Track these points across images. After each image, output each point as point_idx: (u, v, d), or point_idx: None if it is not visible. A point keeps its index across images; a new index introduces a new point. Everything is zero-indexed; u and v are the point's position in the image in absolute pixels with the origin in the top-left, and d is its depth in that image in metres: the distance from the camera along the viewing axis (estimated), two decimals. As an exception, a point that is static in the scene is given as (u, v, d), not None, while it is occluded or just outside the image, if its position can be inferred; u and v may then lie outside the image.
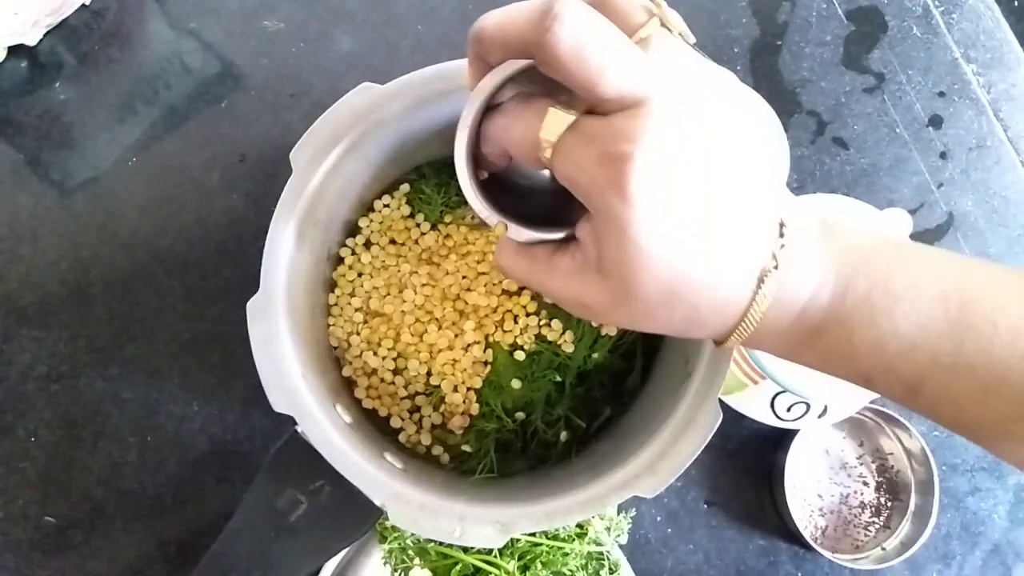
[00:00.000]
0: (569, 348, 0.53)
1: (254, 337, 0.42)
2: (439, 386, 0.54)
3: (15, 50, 0.65)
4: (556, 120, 0.31)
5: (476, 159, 0.36)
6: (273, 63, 0.67)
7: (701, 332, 0.33)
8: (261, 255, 0.63)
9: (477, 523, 0.42)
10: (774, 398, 0.56)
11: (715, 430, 0.43)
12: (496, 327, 0.54)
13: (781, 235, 0.31)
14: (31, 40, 0.64)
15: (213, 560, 0.43)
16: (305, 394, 0.43)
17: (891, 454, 0.65)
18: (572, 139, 0.30)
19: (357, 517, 0.43)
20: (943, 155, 0.71)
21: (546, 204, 0.38)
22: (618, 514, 0.59)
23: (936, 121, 0.71)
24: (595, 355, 0.53)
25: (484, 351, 0.54)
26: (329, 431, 0.42)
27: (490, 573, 0.56)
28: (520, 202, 0.38)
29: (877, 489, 0.64)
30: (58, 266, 0.63)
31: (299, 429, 0.43)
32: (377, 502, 0.42)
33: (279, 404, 0.42)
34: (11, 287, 0.62)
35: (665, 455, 0.43)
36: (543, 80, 0.32)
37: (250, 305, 0.42)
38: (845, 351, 0.32)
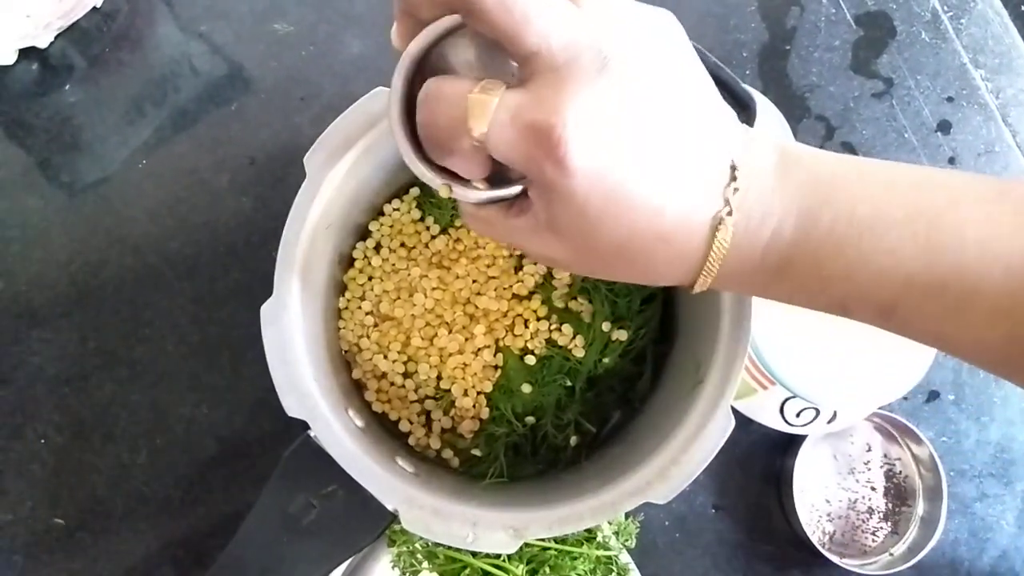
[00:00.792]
0: (580, 353, 0.53)
1: (268, 342, 0.42)
2: (449, 390, 0.54)
3: (26, 52, 0.65)
4: (480, 107, 0.30)
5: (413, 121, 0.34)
6: (283, 66, 0.67)
7: (665, 281, 0.33)
8: (271, 258, 0.63)
9: (489, 528, 0.42)
10: (783, 403, 0.56)
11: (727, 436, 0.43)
12: (507, 331, 0.54)
13: (733, 178, 0.30)
14: (42, 43, 0.64)
15: (226, 563, 0.43)
16: (318, 399, 0.43)
17: (898, 459, 0.65)
18: (501, 118, 0.29)
19: (369, 522, 0.43)
20: (952, 160, 0.71)
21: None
22: (626, 519, 0.59)
23: (944, 126, 0.71)
24: (605, 360, 0.53)
25: (494, 355, 0.54)
26: (341, 436, 0.43)
27: (498, 577, 0.56)
28: None
29: (885, 494, 0.64)
30: (68, 268, 0.63)
31: (312, 433, 0.43)
32: (389, 507, 0.42)
33: (292, 409, 0.42)
34: (21, 288, 0.62)
35: (677, 462, 0.43)
36: (480, 40, 0.31)
37: (264, 309, 0.42)
38: (815, 284, 0.32)
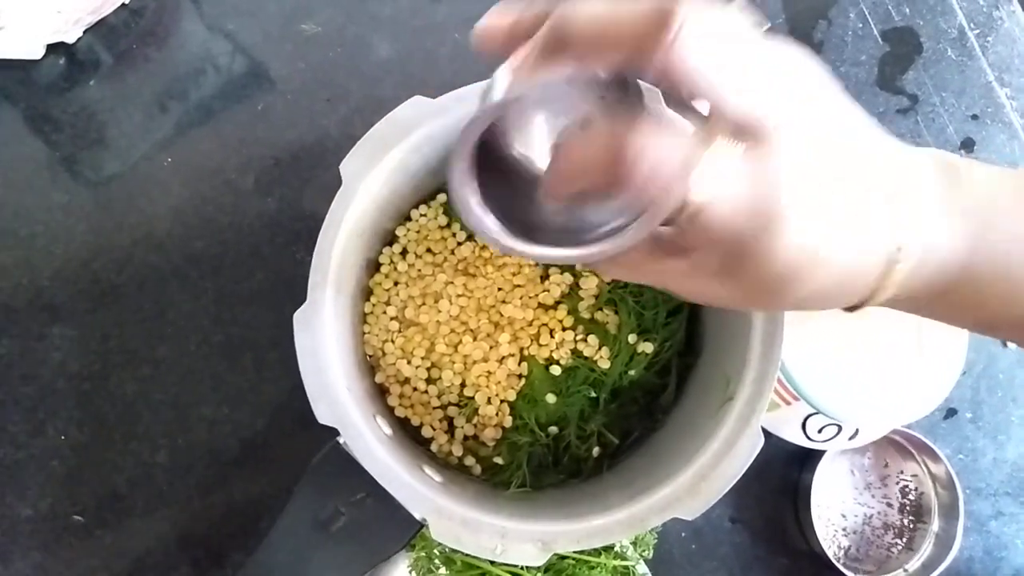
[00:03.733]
0: (605, 364, 0.53)
1: (300, 349, 0.42)
2: (472, 397, 0.54)
3: (54, 47, 0.65)
4: (703, 168, 0.27)
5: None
6: (310, 67, 0.67)
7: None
8: (295, 260, 0.64)
9: (518, 540, 0.42)
10: (806, 419, 0.56)
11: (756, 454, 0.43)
12: (532, 340, 0.54)
13: (906, 222, 0.30)
14: (71, 37, 0.64)
15: (254, 568, 0.43)
16: (349, 406, 0.43)
17: (915, 476, 0.65)
18: (727, 191, 0.28)
19: (398, 530, 0.43)
20: (974, 178, 0.71)
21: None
22: (643, 529, 0.59)
23: (968, 144, 0.71)
24: (631, 372, 0.53)
25: (519, 364, 0.54)
26: (372, 444, 0.43)
27: (516, 585, 0.56)
28: (517, 192, 0.32)
29: (901, 511, 0.64)
30: (91, 265, 0.63)
31: (341, 440, 0.43)
32: (418, 516, 0.42)
33: (324, 416, 0.42)
34: (44, 284, 0.62)
35: (706, 478, 0.43)
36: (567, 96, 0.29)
37: (297, 316, 0.42)
38: (970, 306, 0.32)
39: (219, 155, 0.66)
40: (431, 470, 0.47)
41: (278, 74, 0.67)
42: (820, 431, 0.56)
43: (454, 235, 0.57)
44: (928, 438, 0.63)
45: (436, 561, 0.58)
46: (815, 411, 0.55)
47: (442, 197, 0.57)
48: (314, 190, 0.65)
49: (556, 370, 0.53)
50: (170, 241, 0.63)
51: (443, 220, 0.57)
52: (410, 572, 0.60)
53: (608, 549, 0.58)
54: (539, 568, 0.57)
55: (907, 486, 0.65)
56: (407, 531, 0.43)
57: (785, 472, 0.64)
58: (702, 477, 0.43)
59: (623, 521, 0.43)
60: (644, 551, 0.59)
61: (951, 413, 0.67)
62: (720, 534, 0.63)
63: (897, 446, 0.65)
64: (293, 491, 0.44)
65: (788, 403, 0.55)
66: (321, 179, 0.65)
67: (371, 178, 0.46)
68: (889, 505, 0.64)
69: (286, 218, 0.65)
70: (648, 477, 0.47)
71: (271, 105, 0.67)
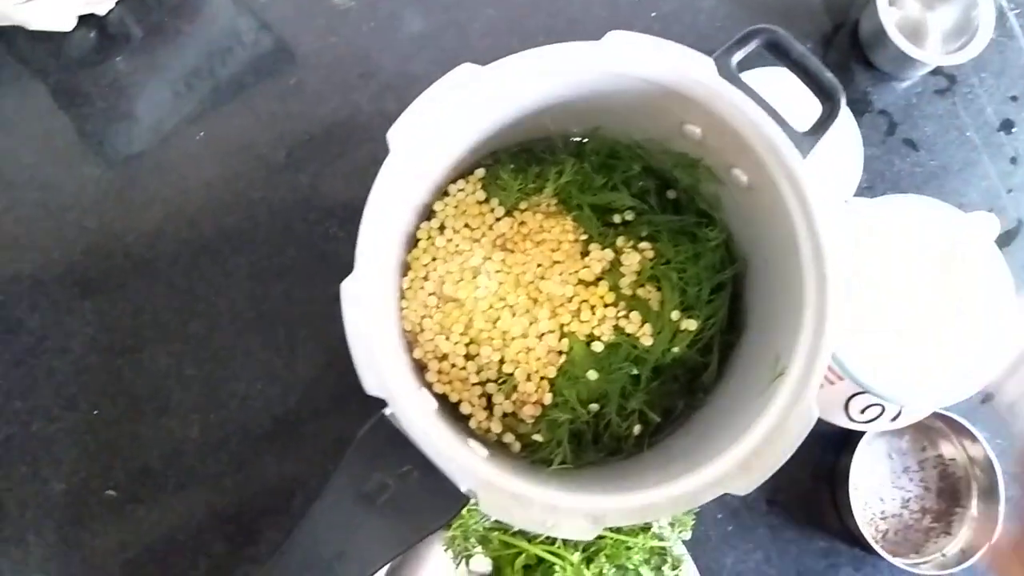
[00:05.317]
0: (648, 341, 0.53)
1: (348, 319, 0.42)
2: (512, 374, 0.53)
3: (85, 20, 0.65)
4: None
5: None
6: (342, 42, 0.67)
7: None
8: (327, 235, 0.63)
9: (569, 515, 0.41)
10: (849, 400, 0.55)
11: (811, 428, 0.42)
12: (572, 317, 0.54)
13: None
14: (101, 10, 0.64)
15: (299, 539, 0.42)
16: (395, 378, 0.42)
17: (952, 460, 0.64)
18: None
19: (444, 503, 0.42)
20: (1013, 160, 0.70)
21: None
22: (681, 510, 0.59)
23: (1007, 125, 0.70)
24: (674, 349, 0.52)
25: (559, 340, 0.53)
26: (418, 416, 0.42)
27: (554, 564, 0.56)
28: None
29: (939, 495, 0.64)
30: (123, 239, 0.62)
31: (387, 412, 0.42)
32: (464, 488, 0.42)
33: (371, 387, 0.41)
34: (76, 259, 0.62)
35: (759, 453, 0.42)
36: None
37: (344, 286, 0.42)
38: None
39: (251, 130, 0.65)
40: (476, 445, 0.46)
41: (310, 49, 0.67)
42: (863, 411, 0.56)
43: (492, 211, 0.56)
44: (967, 422, 0.62)
45: (472, 540, 0.58)
46: (859, 391, 0.54)
47: (480, 172, 0.56)
48: (347, 165, 0.65)
49: (598, 347, 0.53)
50: (202, 216, 0.63)
51: (481, 195, 0.56)
52: (446, 551, 0.60)
53: (646, 529, 0.58)
54: (575, 548, 0.57)
55: (945, 470, 0.64)
56: (453, 505, 0.42)
57: (822, 455, 0.64)
58: (755, 453, 0.42)
59: (675, 496, 0.42)
60: (682, 531, 0.58)
61: (988, 398, 0.66)
62: (757, 516, 0.63)
63: (935, 430, 0.64)
64: (337, 464, 0.43)
65: (832, 383, 0.55)
66: (354, 154, 0.65)
67: (416, 148, 0.45)
68: (927, 489, 0.64)
69: (318, 194, 0.64)
70: (692, 456, 0.46)
71: (303, 80, 0.66)
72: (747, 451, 0.43)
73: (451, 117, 0.46)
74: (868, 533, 0.61)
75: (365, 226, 0.43)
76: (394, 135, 0.44)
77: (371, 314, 0.43)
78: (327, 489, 0.42)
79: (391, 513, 0.42)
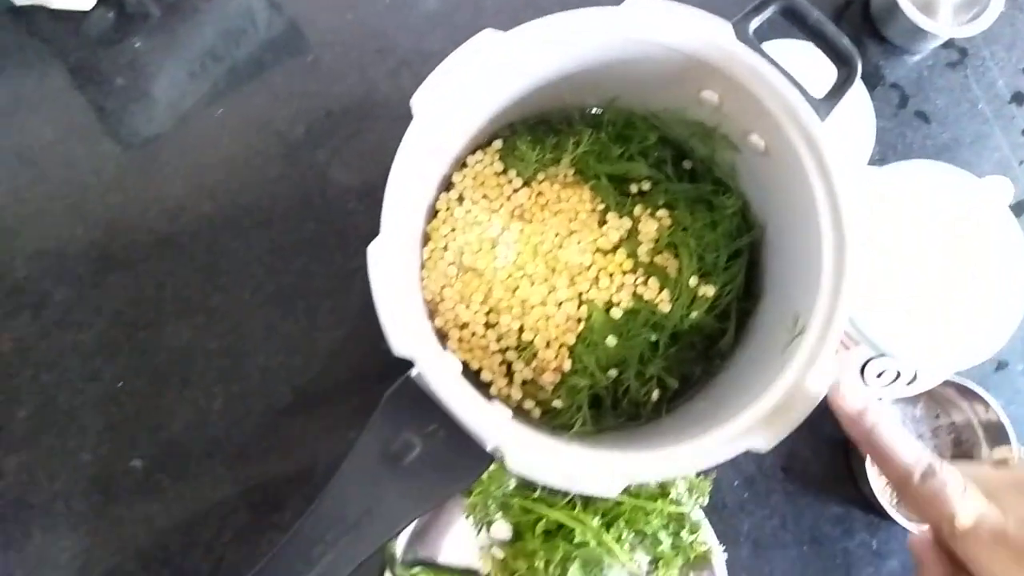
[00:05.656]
0: (666, 307, 0.53)
1: (375, 280, 0.42)
2: (532, 341, 0.54)
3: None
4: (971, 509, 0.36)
5: None
6: (359, 19, 0.67)
7: None
8: (346, 211, 0.64)
9: (593, 470, 0.42)
10: (865, 364, 0.56)
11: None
12: (591, 284, 0.54)
13: None
14: (120, -11, 0.64)
15: (328, 497, 0.43)
16: (421, 338, 0.43)
17: (966, 426, 0.65)
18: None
19: (470, 462, 0.43)
20: (1024, 132, 0.70)
21: None
22: (698, 477, 0.59)
23: (1019, 98, 0.71)
24: (692, 314, 0.53)
25: (578, 308, 0.54)
26: (445, 374, 0.42)
27: (574, 529, 0.57)
28: None
29: (952, 462, 0.64)
30: (145, 214, 0.63)
31: (413, 373, 0.43)
32: (489, 447, 0.42)
33: (399, 347, 0.42)
34: (99, 235, 0.62)
35: (779, 411, 0.43)
36: None
37: (371, 248, 0.42)
38: None
39: (269, 107, 0.66)
40: (498, 405, 0.47)
41: (326, 26, 0.67)
42: (879, 376, 0.56)
43: (510, 182, 0.56)
44: (981, 389, 0.62)
45: (493, 506, 0.58)
46: (875, 355, 0.55)
47: (497, 143, 0.57)
48: (364, 142, 0.65)
49: (617, 313, 0.53)
50: (222, 192, 0.64)
51: (499, 167, 0.56)
52: (467, 518, 0.60)
53: (665, 496, 0.58)
54: (596, 513, 0.58)
55: (959, 437, 0.65)
56: (479, 464, 0.43)
57: (836, 422, 0.64)
58: (774, 410, 0.43)
59: (696, 453, 0.42)
60: (699, 498, 0.59)
61: (1002, 365, 0.67)
62: (772, 483, 0.63)
63: (948, 397, 0.64)
64: (361, 430, 0.44)
65: (847, 348, 0.55)
66: (371, 131, 0.65)
67: (438, 114, 0.46)
68: (941, 456, 0.64)
69: (337, 169, 0.65)
70: (710, 418, 0.46)
71: (319, 58, 0.67)
72: (767, 409, 0.43)
73: (473, 82, 0.46)
74: (884, 500, 0.61)
75: (390, 189, 0.44)
76: (417, 100, 0.45)
77: (396, 276, 0.44)
78: (355, 449, 0.43)
79: (417, 472, 0.43)
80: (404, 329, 0.42)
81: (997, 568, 0.35)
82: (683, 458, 0.43)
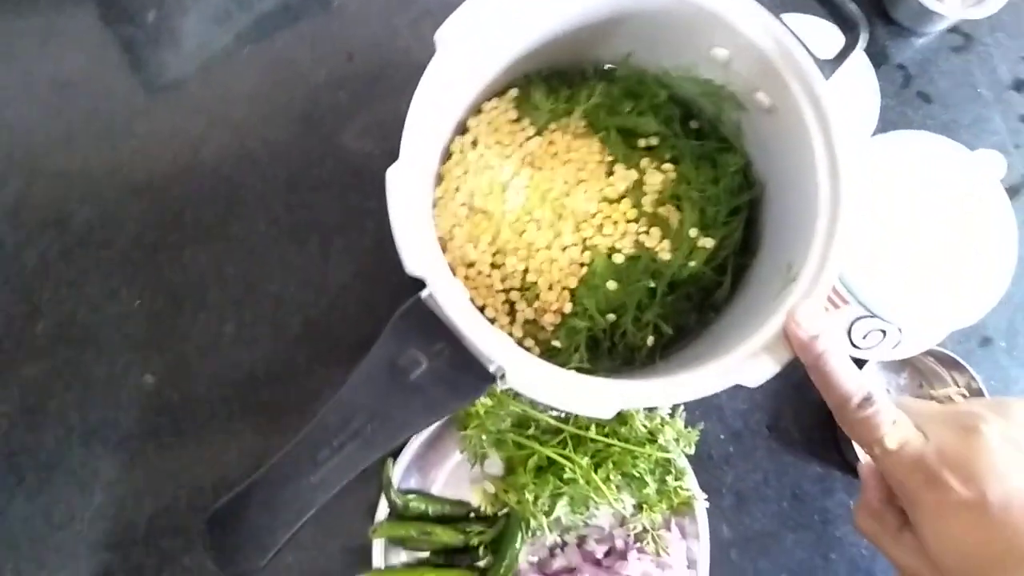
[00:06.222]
0: (666, 255, 0.55)
1: (393, 201, 0.44)
2: (535, 283, 0.56)
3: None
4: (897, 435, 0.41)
5: None
6: (384, -34, 0.69)
7: None
8: (363, 151, 0.66)
9: (590, 392, 0.44)
10: (852, 324, 0.58)
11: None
12: (595, 231, 0.56)
13: None
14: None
15: (335, 407, 0.45)
16: (434, 260, 0.45)
17: (948, 398, 0.67)
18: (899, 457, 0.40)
19: (473, 381, 0.45)
20: (1023, 118, 0.72)
21: None
22: (687, 428, 0.62)
23: (1019, 85, 0.73)
24: (691, 263, 0.55)
25: (581, 253, 0.56)
26: (455, 295, 0.44)
27: (564, 466, 0.59)
28: None
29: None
30: (170, 143, 0.65)
31: (423, 295, 0.45)
32: (492, 368, 0.45)
33: (413, 267, 0.43)
34: (124, 160, 0.65)
35: (770, 348, 0.45)
36: None
37: (390, 172, 0.44)
38: None
39: (293, 49, 0.68)
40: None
41: (353, -28, 0.69)
42: (865, 337, 0.59)
43: (523, 130, 0.59)
44: (964, 360, 0.64)
45: (487, 441, 0.61)
46: (862, 315, 0.57)
47: (513, 92, 0.59)
48: (384, 87, 0.67)
49: (619, 259, 0.55)
50: (245, 126, 0.66)
51: (513, 115, 0.59)
52: (461, 452, 0.63)
53: (653, 441, 0.61)
54: (586, 453, 0.60)
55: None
56: (481, 384, 0.45)
57: (823, 385, 0.67)
58: (764, 347, 0.45)
59: (688, 383, 0.44)
60: (686, 446, 0.61)
61: (986, 342, 0.69)
62: (758, 439, 0.66)
63: (932, 367, 0.67)
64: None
65: (836, 306, 0.58)
66: (392, 76, 0.67)
67: (461, 51, 0.48)
68: (921, 423, 0.67)
69: (356, 110, 0.67)
70: (705, 359, 0.48)
71: (345, 3, 0.69)
72: (758, 346, 0.45)
73: (495, 22, 0.48)
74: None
75: (411, 115, 0.46)
76: (442, 34, 0.47)
77: (412, 201, 0.46)
78: (365, 361, 0.45)
79: (423, 387, 0.45)
80: (418, 250, 0.44)
81: (911, 486, 0.40)
82: (676, 387, 0.45)
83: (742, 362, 0.45)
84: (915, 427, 0.41)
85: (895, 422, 0.41)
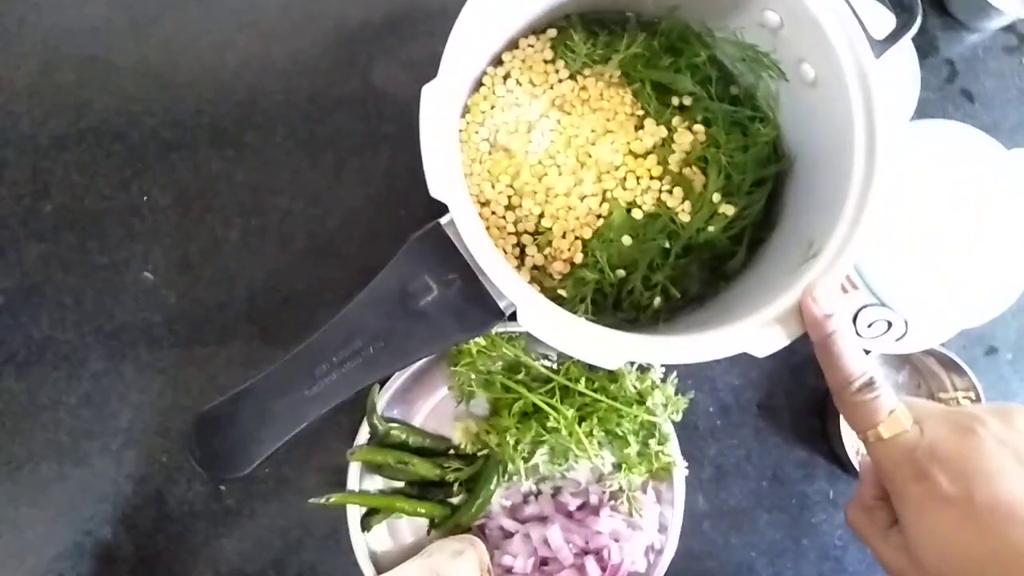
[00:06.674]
0: (686, 217, 0.55)
1: (425, 120, 0.43)
2: (550, 229, 0.55)
3: None
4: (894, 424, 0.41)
5: None
6: None
7: None
8: (390, 77, 0.65)
9: (603, 340, 0.43)
10: (858, 312, 0.58)
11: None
12: (617, 184, 0.55)
13: None
14: None
15: (340, 323, 0.44)
16: (460, 187, 0.44)
17: (944, 401, 0.67)
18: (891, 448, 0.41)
19: (481, 315, 0.44)
20: (1068, 130, 0.71)
21: None
22: (676, 395, 0.61)
23: (1070, 94, 0.71)
24: (710, 228, 0.54)
25: (600, 204, 0.55)
26: (476, 225, 0.43)
27: (549, 415, 0.59)
28: None
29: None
30: (196, 42, 0.63)
31: (443, 221, 0.44)
32: (503, 304, 0.44)
33: (438, 190, 0.42)
34: (148, 53, 0.63)
35: (782, 321, 0.45)
36: None
37: (426, 89, 0.43)
38: None
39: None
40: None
41: None
42: (870, 326, 0.58)
43: (556, 71, 0.57)
44: (961, 360, 0.64)
45: (476, 380, 0.60)
46: (871, 303, 0.56)
47: (551, 32, 0.58)
48: (418, 10, 0.66)
49: (638, 214, 0.55)
50: (274, 34, 0.64)
51: (549, 55, 0.57)
52: (448, 389, 0.62)
53: (641, 403, 0.60)
54: (573, 406, 0.59)
55: (936, 407, 0.67)
56: (489, 319, 0.45)
57: (819, 372, 0.66)
58: (776, 319, 0.45)
59: (695, 345, 0.44)
60: (674, 413, 0.61)
61: (992, 351, 0.68)
62: (746, 417, 0.66)
63: (932, 368, 0.66)
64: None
65: (846, 291, 0.57)
66: (425, 4, 0.66)
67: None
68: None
69: (387, 33, 0.65)
70: (711, 325, 0.48)
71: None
72: (770, 317, 0.45)
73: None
74: (856, 461, 0.63)
75: (454, 35, 0.44)
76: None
77: (446, 121, 0.44)
78: (375, 280, 0.44)
79: (430, 315, 0.44)
80: (444, 174, 0.43)
81: (899, 478, 0.40)
82: (686, 346, 0.44)
83: (753, 332, 0.45)
84: (913, 421, 0.41)
85: (893, 411, 0.41)
